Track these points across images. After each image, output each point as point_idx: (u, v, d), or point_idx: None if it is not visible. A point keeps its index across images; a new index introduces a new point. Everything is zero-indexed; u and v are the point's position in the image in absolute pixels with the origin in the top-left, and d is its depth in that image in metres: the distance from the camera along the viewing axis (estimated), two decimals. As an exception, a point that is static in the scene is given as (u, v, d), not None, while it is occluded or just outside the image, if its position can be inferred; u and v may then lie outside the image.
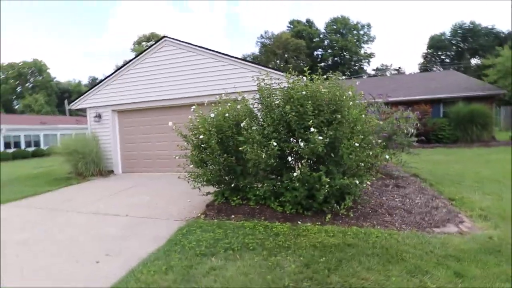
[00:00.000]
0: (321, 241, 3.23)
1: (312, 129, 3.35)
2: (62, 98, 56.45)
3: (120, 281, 2.70)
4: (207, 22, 71.61)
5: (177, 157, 4.63)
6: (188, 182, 4.71)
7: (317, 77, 4.01)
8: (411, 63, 76.51)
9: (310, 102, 3.50)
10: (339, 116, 3.55)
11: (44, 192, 7.02)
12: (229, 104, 4.54)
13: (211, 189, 5.05)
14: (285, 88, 3.94)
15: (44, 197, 6.53)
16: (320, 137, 3.30)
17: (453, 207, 4.24)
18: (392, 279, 2.46)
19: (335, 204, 3.99)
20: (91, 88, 9.65)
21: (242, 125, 4.00)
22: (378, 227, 3.62)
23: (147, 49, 8.88)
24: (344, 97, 3.65)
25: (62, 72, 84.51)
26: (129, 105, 9.09)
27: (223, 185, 4.88)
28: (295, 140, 3.90)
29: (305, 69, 4.13)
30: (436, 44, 44.53)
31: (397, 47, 71.36)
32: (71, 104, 9.82)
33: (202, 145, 4.41)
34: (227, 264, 2.84)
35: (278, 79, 4.27)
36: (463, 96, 14.12)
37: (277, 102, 3.77)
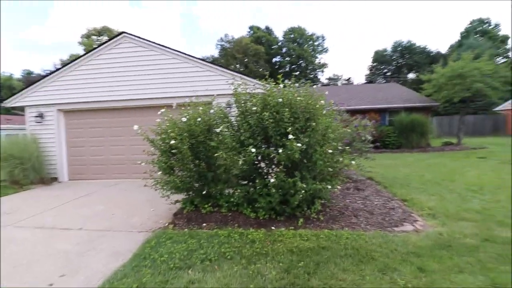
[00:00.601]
0: (297, 245, 3.29)
1: (290, 136, 3.42)
2: (-14, 93, 48.48)
3: (83, 305, 2.39)
4: (162, 20, 68.53)
5: (143, 163, 4.30)
6: (156, 189, 4.40)
7: (290, 84, 4.13)
8: (359, 75, 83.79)
9: (287, 109, 3.59)
10: (314, 123, 3.70)
11: (-31, 204, 5.90)
12: (201, 108, 4.39)
13: (179, 196, 4.81)
14: (260, 95, 3.97)
15: (-31, 211, 5.47)
16: (299, 144, 3.40)
17: (406, 208, 4.71)
18: (366, 278, 2.63)
19: (306, 208, 4.13)
20: (31, 84, 8.45)
21: (218, 130, 3.90)
22: (347, 228, 3.84)
23: (102, 44, 8.14)
24: (317, 106, 3.83)
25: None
26: (79, 104, 8.20)
27: (192, 193, 4.68)
28: (270, 147, 3.93)
29: (279, 76, 4.22)
30: (380, 59, 49.53)
31: (347, 59, 77.54)
32: (6, 102, 8.47)
33: (172, 151, 4.18)
34: (206, 276, 2.72)
35: (254, 85, 4.28)
36: (405, 107, 15.91)
37: (254, 108, 3.77)
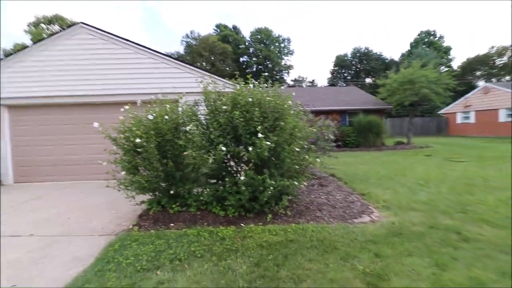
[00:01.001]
0: (266, 240, 3.40)
1: (259, 135, 3.51)
2: None
3: (39, 315, 2.21)
4: (121, 12, 64.37)
5: (104, 163, 4.06)
6: (119, 190, 4.19)
7: (259, 84, 4.23)
8: (322, 77, 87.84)
9: (257, 109, 3.67)
10: (282, 123, 3.84)
11: None
12: (168, 105, 4.28)
13: (145, 197, 4.63)
14: (230, 94, 3.99)
15: None
16: (268, 142, 3.50)
17: (364, 201, 5.11)
18: (330, 266, 2.82)
19: (274, 205, 4.27)
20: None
21: (187, 128, 3.84)
22: (312, 222, 4.05)
23: (54, 34, 7.47)
24: (285, 106, 3.98)
25: None
26: (27, 99, 7.43)
27: (159, 193, 4.54)
28: (239, 145, 3.98)
29: (248, 76, 4.30)
30: (341, 63, 52.45)
31: (311, 62, 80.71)
32: None
33: (137, 149, 4.01)
34: (176, 276, 2.68)
35: (223, 84, 4.29)
36: (362, 109, 17.11)
37: (224, 107, 3.78)
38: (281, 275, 2.66)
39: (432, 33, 45.33)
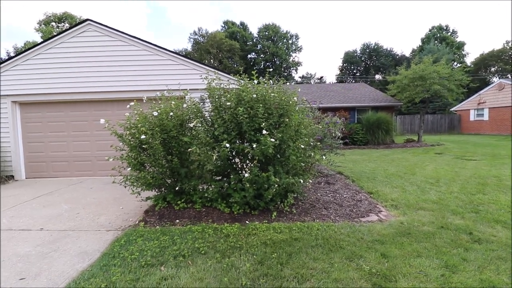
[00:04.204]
0: (270, 238, 3.37)
1: (264, 131, 3.47)
2: None
3: (45, 308, 2.25)
4: (126, 10, 64.91)
5: (111, 159, 4.10)
6: (125, 186, 4.23)
7: (264, 81, 4.17)
8: (330, 74, 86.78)
9: (261, 105, 3.62)
10: (287, 119, 3.79)
11: None
12: (173, 102, 4.28)
13: (150, 193, 4.67)
14: (234, 90, 3.96)
15: None
16: (273, 139, 3.46)
17: (372, 200, 5.02)
18: (335, 265, 2.77)
19: (279, 202, 4.23)
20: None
21: (192, 125, 3.83)
22: (317, 220, 4.00)
23: (63, 31, 7.56)
24: (291, 102, 3.92)
25: None
26: (37, 96, 7.58)
27: (164, 189, 4.56)
28: (244, 142, 3.95)
29: (253, 73, 4.25)
30: (350, 59, 51.68)
31: (320, 58, 79.80)
32: None
33: (143, 146, 4.03)
34: (179, 272, 2.68)
35: (228, 80, 4.26)
36: (372, 106, 16.82)
37: (228, 103, 3.75)
38: (284, 274, 2.63)
39: (444, 28, 44.10)
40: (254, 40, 50.46)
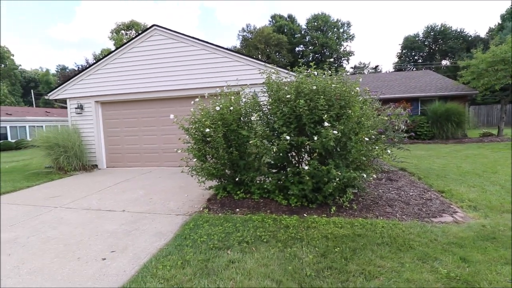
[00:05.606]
0: (331, 232, 3.32)
1: (326, 123, 3.41)
2: (27, 88, 52.39)
3: (134, 277, 2.61)
4: (179, 13, 69.22)
5: (178, 151, 4.51)
6: (192, 176, 4.61)
7: (323, 71, 4.07)
8: (387, 62, 79.75)
9: (322, 97, 3.55)
10: (349, 111, 3.65)
11: (24, 187, 6.56)
12: (232, 97, 4.48)
13: (212, 183, 4.99)
14: (293, 83, 3.95)
15: (26, 193, 6.09)
16: (335, 131, 3.37)
17: (444, 199, 4.53)
18: (406, 265, 2.60)
19: (338, 197, 4.12)
20: (69, 78, 9.07)
21: (253, 118, 3.96)
22: (381, 218, 3.79)
23: (134, 37, 8.47)
24: (352, 93, 3.75)
25: (27, 60, 78.12)
26: (114, 96, 8.67)
27: (224, 179, 4.84)
28: (302, 135, 3.93)
29: (312, 64, 4.17)
30: (410, 45, 46.65)
31: (375, 46, 73.97)
32: (49, 94, 9.16)
33: (206, 139, 4.33)
34: (245, 257, 2.84)
35: (287, 73, 4.27)
36: (439, 95, 15.00)
37: (288, 96, 3.77)
38: (350, 269, 2.58)
39: (535, -1, 36.56)
40: (302, 32, 49.16)
